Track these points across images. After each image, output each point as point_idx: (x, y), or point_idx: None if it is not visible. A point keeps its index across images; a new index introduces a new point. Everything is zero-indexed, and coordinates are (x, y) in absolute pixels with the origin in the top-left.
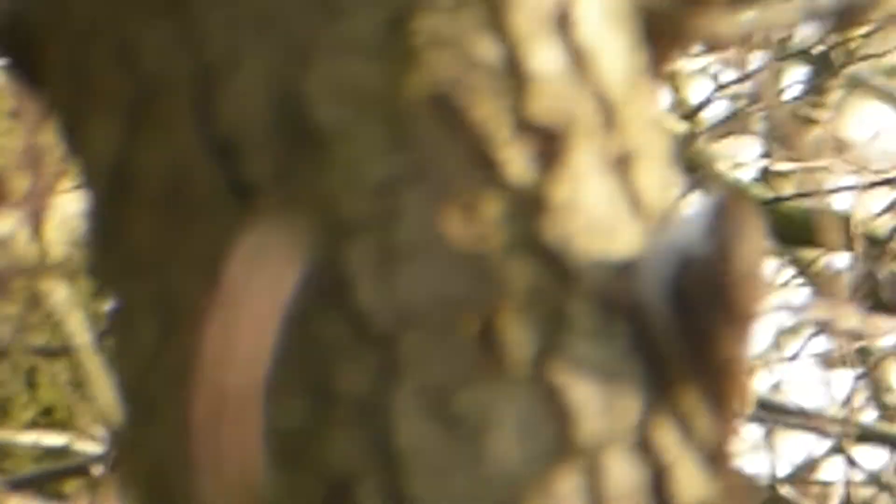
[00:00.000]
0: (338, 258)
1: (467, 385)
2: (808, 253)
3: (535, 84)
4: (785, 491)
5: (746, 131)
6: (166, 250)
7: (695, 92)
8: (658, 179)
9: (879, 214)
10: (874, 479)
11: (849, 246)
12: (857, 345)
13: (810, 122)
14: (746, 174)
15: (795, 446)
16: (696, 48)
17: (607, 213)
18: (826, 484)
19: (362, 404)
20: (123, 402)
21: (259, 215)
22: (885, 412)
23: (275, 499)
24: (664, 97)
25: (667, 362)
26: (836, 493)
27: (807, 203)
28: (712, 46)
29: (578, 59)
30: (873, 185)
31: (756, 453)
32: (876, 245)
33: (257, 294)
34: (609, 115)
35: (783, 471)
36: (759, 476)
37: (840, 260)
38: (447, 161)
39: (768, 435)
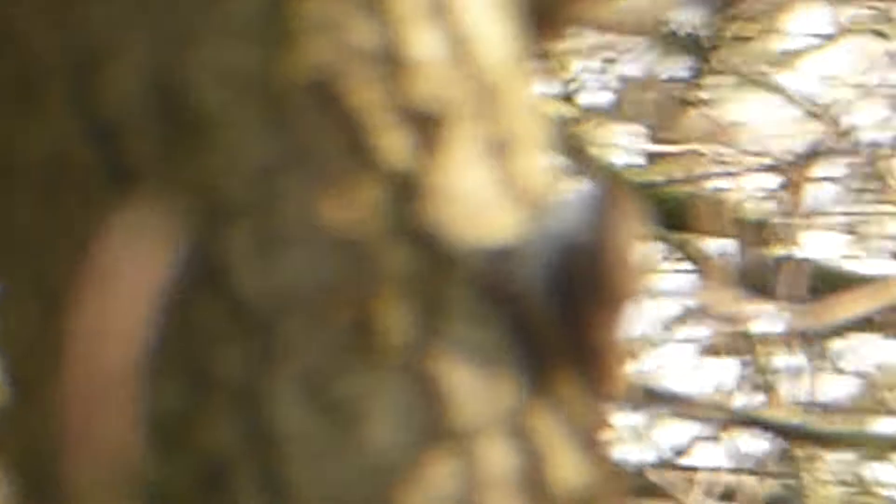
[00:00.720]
0: (217, 243)
1: (344, 371)
2: (688, 237)
3: (415, 69)
4: (656, 477)
5: (626, 116)
6: (47, 234)
7: (575, 75)
8: (538, 165)
9: (759, 199)
10: (755, 466)
11: (729, 231)
12: (737, 330)
13: (690, 106)
14: (626, 159)
15: (677, 432)
16: (577, 32)
17: (486, 199)
18: (697, 470)
19: (240, 389)
20: (9, 384)
21: (138, 199)
22: (766, 397)
23: (151, 482)
24: (543, 79)
25: (544, 349)
26: (708, 479)
27: (687, 188)
28: (592, 30)
29: (458, 45)
30: (752, 170)
31: (633, 440)
32: (755, 230)
33: (131, 276)
34: (489, 100)
35: (656, 456)
36: (630, 462)
37: (720, 245)
38: (326, 146)
39: (649, 421)
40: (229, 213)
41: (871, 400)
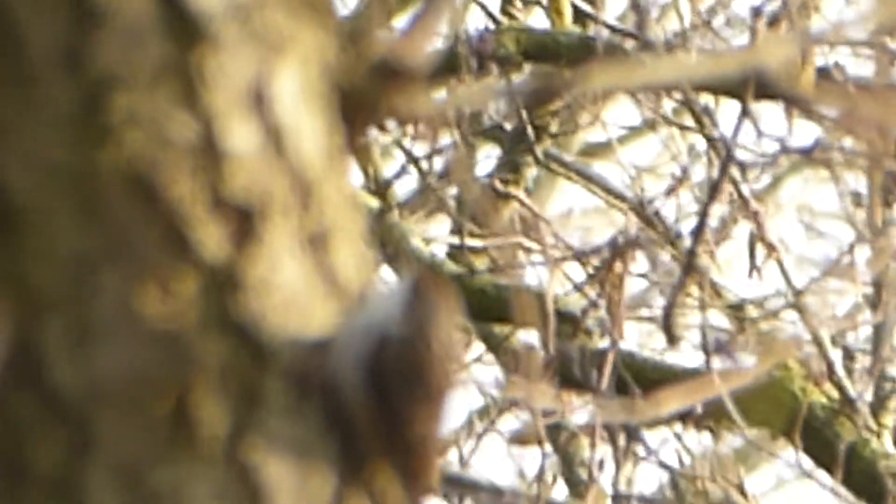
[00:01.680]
0: (32, 335)
1: (161, 463)
2: (500, 329)
3: (231, 162)
4: None
5: (439, 207)
6: None
7: (387, 167)
8: (354, 257)
9: (572, 291)
10: None
11: (541, 322)
12: (549, 422)
13: (504, 198)
14: (439, 250)
15: None
16: (390, 123)
17: (302, 291)
18: None
19: (56, 482)
20: None
21: None
22: (574, 489)
23: None
24: (357, 171)
25: (360, 440)
26: None
27: (500, 279)
28: (405, 122)
29: (274, 138)
30: (564, 259)
31: None
32: (567, 322)
33: None
34: (305, 193)
35: None
36: None
37: (532, 336)
38: (142, 239)
39: None
40: (45, 305)
41: (685, 493)
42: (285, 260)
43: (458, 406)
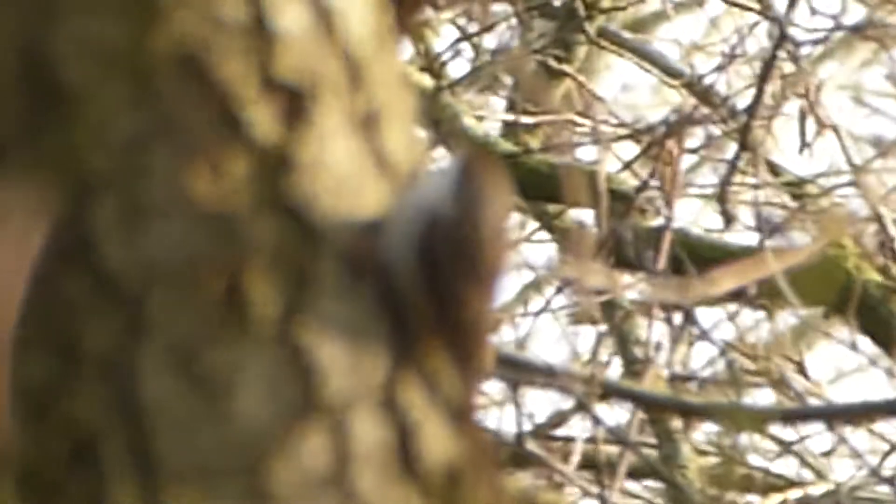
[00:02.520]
0: (84, 216)
1: (213, 344)
2: (554, 208)
3: (282, 43)
4: (530, 446)
5: (492, 85)
6: None
7: (440, 45)
8: (405, 138)
9: (624, 169)
10: (617, 436)
11: (594, 201)
12: (602, 301)
13: (557, 75)
14: (493, 128)
15: (543, 403)
16: (442, 3)
17: (354, 172)
18: (569, 440)
19: (108, 362)
20: None
21: (5, 174)
22: (630, 368)
23: (21, 454)
24: (409, 51)
25: (413, 321)
26: (579, 449)
27: (553, 158)
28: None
29: (324, 18)
30: (618, 137)
31: (502, 409)
32: (620, 200)
33: (2, 250)
34: (356, 73)
35: (528, 427)
36: (504, 432)
37: (586, 215)
38: (193, 120)
39: (514, 391)
40: (96, 186)
41: (739, 373)
42: (336, 140)
43: (511, 286)
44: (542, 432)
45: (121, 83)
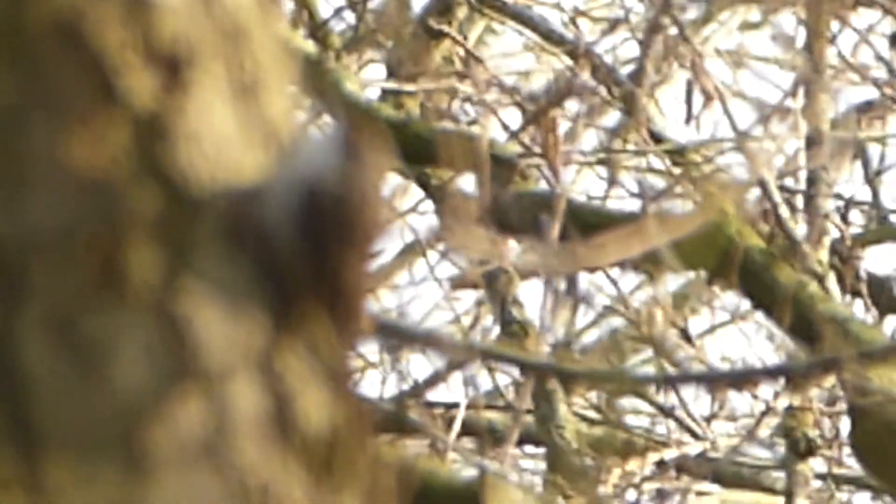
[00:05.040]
0: None
1: (91, 312)
2: (436, 173)
3: (160, 10)
4: (411, 413)
5: (374, 49)
6: None
7: (323, 8)
8: (285, 105)
9: (511, 138)
10: (494, 400)
11: (476, 167)
12: (484, 266)
13: (439, 38)
14: (374, 93)
15: (422, 367)
16: None
17: (233, 140)
18: (447, 406)
19: None
20: None
21: None
22: (508, 332)
23: None
24: (290, 19)
25: (291, 288)
26: (460, 416)
27: (436, 123)
28: None
29: None
30: (500, 103)
31: (380, 374)
32: (503, 166)
33: None
34: (235, 41)
35: (405, 389)
36: (381, 397)
37: (468, 181)
38: (70, 88)
39: (394, 356)
40: None
41: (621, 337)
42: (215, 108)
43: (391, 251)
44: (422, 398)
45: None
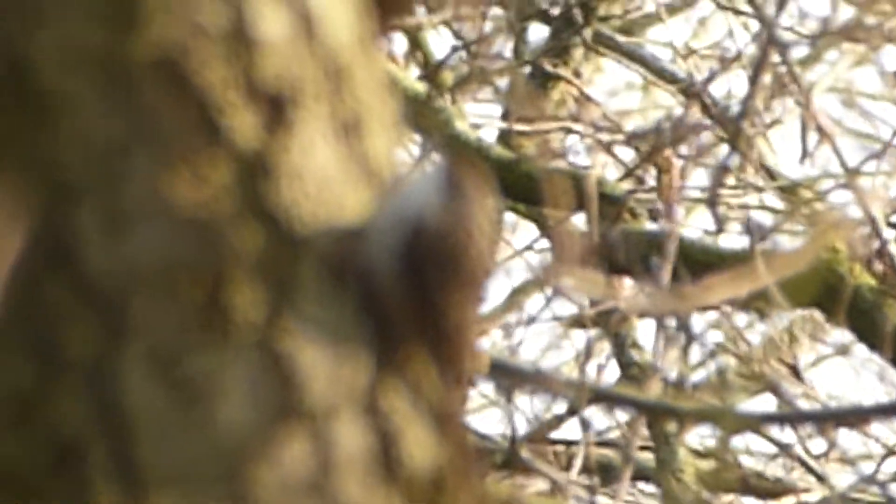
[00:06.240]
0: (65, 222)
1: (194, 350)
2: (547, 213)
3: (263, 49)
4: (523, 452)
5: (487, 90)
6: None
7: (435, 50)
8: (388, 144)
9: (627, 176)
10: (608, 440)
11: (586, 206)
12: (596, 306)
13: (552, 80)
14: (487, 134)
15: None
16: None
17: (336, 178)
18: (563, 444)
19: (90, 367)
20: None
21: None
22: (627, 374)
23: (4, 460)
24: (395, 60)
25: (396, 327)
26: (580, 455)
27: (546, 163)
28: (439, 6)
29: (305, 24)
30: (611, 144)
31: (493, 415)
32: (612, 204)
33: None
34: (337, 78)
35: (522, 432)
36: (496, 437)
37: (578, 220)
38: (173, 126)
39: (507, 396)
40: (77, 191)
41: (731, 376)
42: (318, 146)
43: (500, 291)
44: (537, 437)
45: (101, 89)
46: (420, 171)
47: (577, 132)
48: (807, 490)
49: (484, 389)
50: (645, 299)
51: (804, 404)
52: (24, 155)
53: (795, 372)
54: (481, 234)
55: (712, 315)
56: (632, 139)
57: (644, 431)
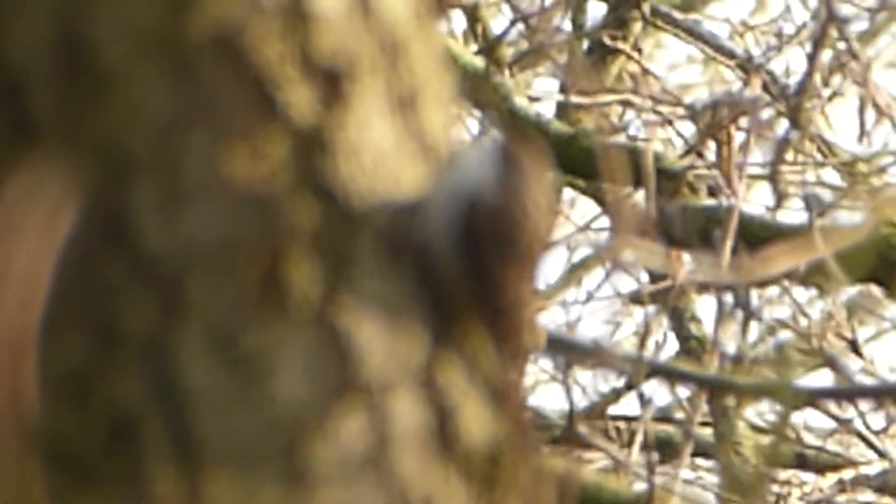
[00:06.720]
0: (121, 199)
1: (252, 326)
2: (605, 188)
3: (319, 24)
4: (581, 427)
5: (545, 65)
6: None
7: (494, 25)
8: (444, 119)
9: (689, 152)
10: (666, 416)
11: (643, 181)
12: (655, 282)
13: (611, 55)
14: (546, 109)
15: (595, 383)
16: None
17: (392, 153)
18: (622, 419)
19: (147, 345)
20: None
21: (41, 156)
22: (686, 349)
23: (57, 436)
24: (451, 33)
25: (453, 302)
26: (636, 430)
27: (605, 138)
28: None
29: None
30: (670, 119)
31: (552, 390)
32: (670, 179)
33: (31, 232)
34: (394, 54)
35: (578, 406)
36: (553, 412)
37: (637, 195)
38: (231, 102)
39: (565, 372)
40: (133, 168)
41: (790, 351)
42: (374, 122)
43: (554, 268)
44: (595, 413)
45: (158, 65)
46: (477, 146)
47: (635, 107)
48: (866, 463)
49: (542, 365)
50: (704, 273)
51: (863, 379)
52: (79, 132)
53: (854, 347)
54: (538, 209)
55: (771, 290)
56: (691, 114)
57: (703, 407)
